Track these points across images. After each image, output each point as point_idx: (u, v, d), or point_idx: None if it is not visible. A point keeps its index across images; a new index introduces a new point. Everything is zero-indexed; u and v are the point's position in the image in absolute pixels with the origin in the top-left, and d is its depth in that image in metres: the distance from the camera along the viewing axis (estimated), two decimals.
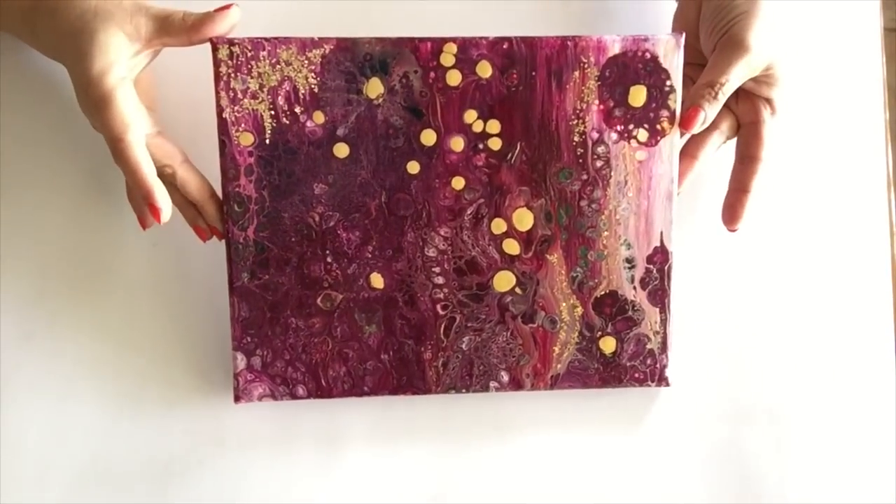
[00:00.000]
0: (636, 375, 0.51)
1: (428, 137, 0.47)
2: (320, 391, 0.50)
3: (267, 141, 0.47)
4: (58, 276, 0.50)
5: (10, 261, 0.50)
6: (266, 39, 0.46)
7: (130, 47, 0.44)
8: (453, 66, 0.47)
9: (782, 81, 0.48)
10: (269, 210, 0.47)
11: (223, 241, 0.48)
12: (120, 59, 0.44)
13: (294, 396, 0.50)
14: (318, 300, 0.49)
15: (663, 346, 0.50)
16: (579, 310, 0.50)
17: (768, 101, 0.48)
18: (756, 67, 0.46)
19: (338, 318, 0.49)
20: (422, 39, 0.46)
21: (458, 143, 0.48)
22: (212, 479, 0.51)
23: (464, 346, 0.50)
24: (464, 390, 0.50)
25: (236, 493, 0.51)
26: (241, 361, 0.49)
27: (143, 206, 0.47)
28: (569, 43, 0.47)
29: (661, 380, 0.51)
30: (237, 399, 0.49)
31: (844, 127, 0.54)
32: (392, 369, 0.50)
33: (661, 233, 0.49)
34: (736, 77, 0.46)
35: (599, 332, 0.50)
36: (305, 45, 0.46)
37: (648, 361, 0.51)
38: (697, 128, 0.47)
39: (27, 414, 0.50)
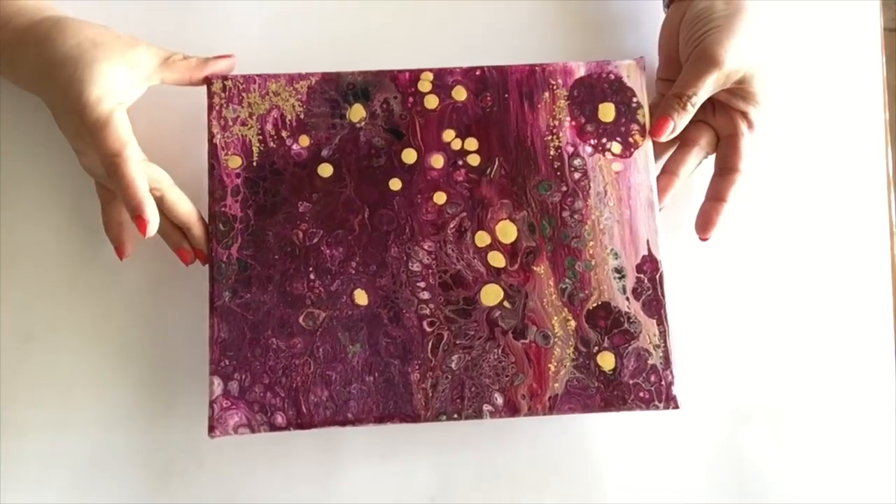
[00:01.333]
0: (641, 395, 0.47)
1: (409, 156, 0.49)
2: (300, 419, 0.46)
3: (254, 163, 0.49)
4: (57, 277, 0.51)
5: (10, 261, 0.51)
6: (258, 75, 0.50)
7: (130, 78, 0.48)
8: (430, 92, 0.50)
9: (759, 97, 0.49)
10: (254, 228, 0.48)
11: (206, 263, 0.48)
12: (120, 87, 0.47)
13: (272, 426, 0.46)
14: (301, 319, 0.47)
15: (666, 361, 0.47)
16: (572, 323, 0.48)
17: (744, 115, 0.50)
18: (726, 81, 0.48)
19: (320, 337, 0.47)
20: (400, 70, 0.50)
21: (437, 161, 0.49)
22: (211, 481, 0.49)
23: (453, 365, 0.47)
24: (455, 416, 0.47)
25: (235, 494, 0.49)
26: (218, 387, 0.46)
27: (120, 235, 0.48)
28: (537, 69, 0.50)
29: (669, 400, 0.47)
30: (211, 430, 0.46)
31: (844, 127, 0.54)
32: (377, 393, 0.47)
33: (648, 241, 0.49)
34: (704, 90, 0.48)
35: (596, 347, 0.48)
36: (293, 78, 0.50)
37: (652, 378, 0.47)
38: (666, 136, 0.49)
39: (27, 414, 0.49)
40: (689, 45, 0.48)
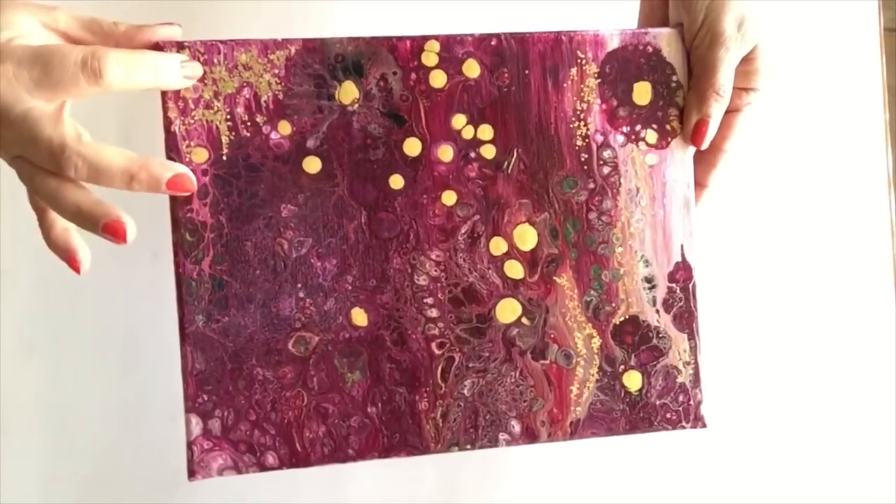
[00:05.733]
0: (668, 416, 0.43)
1: (412, 147, 0.41)
2: (295, 458, 0.41)
3: (224, 157, 0.40)
4: (60, 288, 0.49)
5: (12, 273, 0.49)
6: (222, 42, 0.40)
7: (41, 29, 0.37)
8: (437, 66, 0.41)
9: (764, 72, 0.43)
10: (228, 238, 0.40)
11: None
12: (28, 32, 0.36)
13: (262, 467, 0.40)
14: (290, 344, 0.41)
15: (695, 378, 0.43)
16: (597, 340, 0.43)
17: (745, 91, 0.43)
18: (743, 53, 0.42)
19: (314, 365, 0.41)
20: (400, 38, 0.41)
21: (446, 153, 0.42)
22: (217, 491, 0.49)
23: (466, 391, 0.42)
24: (469, 446, 0.42)
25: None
26: (197, 426, 0.40)
27: (68, 242, 0.40)
28: (563, 38, 0.42)
29: (697, 419, 0.44)
30: (192, 474, 0.40)
31: (844, 127, 0.55)
32: (382, 425, 0.41)
33: (682, 246, 0.43)
34: (731, 72, 0.42)
35: (622, 367, 0.43)
36: (267, 46, 0.40)
37: (680, 398, 0.43)
38: (708, 140, 0.42)
39: (31, 426, 0.49)
40: (690, 20, 0.42)
